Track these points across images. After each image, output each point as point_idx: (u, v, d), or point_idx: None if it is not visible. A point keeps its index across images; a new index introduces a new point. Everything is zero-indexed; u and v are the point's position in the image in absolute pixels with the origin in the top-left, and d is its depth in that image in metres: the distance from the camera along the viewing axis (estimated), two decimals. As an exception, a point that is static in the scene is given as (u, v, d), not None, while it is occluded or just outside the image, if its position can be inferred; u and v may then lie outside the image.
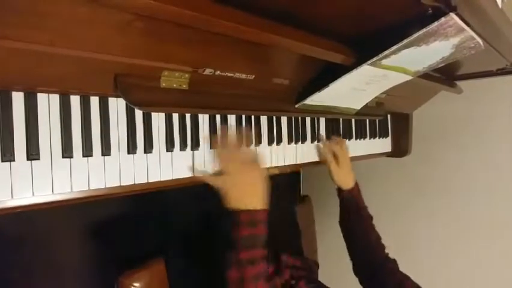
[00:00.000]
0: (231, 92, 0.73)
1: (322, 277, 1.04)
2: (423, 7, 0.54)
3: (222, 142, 0.73)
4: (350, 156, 1.13)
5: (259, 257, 0.65)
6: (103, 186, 0.59)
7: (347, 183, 0.98)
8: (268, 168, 0.85)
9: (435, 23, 0.55)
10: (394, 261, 0.85)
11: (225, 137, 0.74)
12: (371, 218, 0.96)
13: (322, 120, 1.04)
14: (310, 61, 0.72)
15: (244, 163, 0.71)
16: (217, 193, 0.68)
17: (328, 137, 1.05)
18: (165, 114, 0.68)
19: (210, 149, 0.74)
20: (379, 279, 0.82)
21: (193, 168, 0.72)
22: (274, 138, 0.88)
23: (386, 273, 0.82)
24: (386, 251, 0.90)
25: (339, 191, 0.99)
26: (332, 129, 1.08)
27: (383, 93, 0.94)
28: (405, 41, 0.60)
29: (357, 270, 0.91)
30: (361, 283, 0.88)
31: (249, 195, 0.68)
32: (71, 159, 0.56)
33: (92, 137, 0.58)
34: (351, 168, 1.01)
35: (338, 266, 1.04)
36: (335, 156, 1.00)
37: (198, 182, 0.73)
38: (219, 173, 0.70)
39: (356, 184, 1.00)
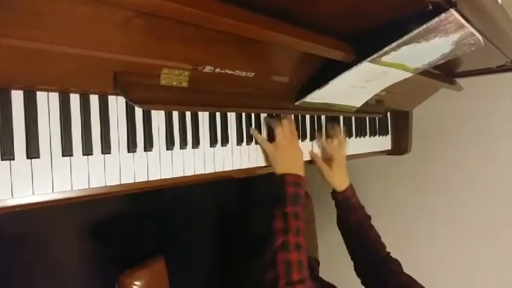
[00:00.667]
0: (231, 89, 0.73)
1: (323, 274, 1.04)
2: (423, 3, 0.54)
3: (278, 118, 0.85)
4: (350, 154, 1.13)
5: (301, 215, 0.74)
6: (103, 185, 0.59)
7: (340, 185, 0.96)
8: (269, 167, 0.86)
9: (436, 19, 0.54)
10: (397, 262, 0.84)
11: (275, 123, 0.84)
12: (369, 217, 0.95)
13: (322, 118, 1.04)
14: (310, 58, 0.72)
15: (289, 134, 0.83)
16: (218, 193, 0.70)
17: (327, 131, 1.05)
18: (165, 112, 0.68)
19: (211, 147, 0.74)
20: (381, 280, 0.82)
21: (194, 167, 0.72)
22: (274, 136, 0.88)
23: (389, 273, 0.81)
24: (388, 250, 0.89)
25: (333, 193, 0.98)
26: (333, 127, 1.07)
27: (383, 90, 0.94)
28: (405, 38, 0.59)
29: (358, 271, 0.91)
30: (363, 283, 0.88)
31: (295, 164, 0.81)
32: (71, 157, 0.56)
33: (92, 135, 0.58)
34: (344, 169, 0.99)
35: (339, 263, 1.04)
36: (328, 158, 0.99)
37: (198, 181, 0.73)
38: (271, 144, 0.82)
39: (350, 185, 0.97)
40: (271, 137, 0.85)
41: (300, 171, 0.81)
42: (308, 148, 1.00)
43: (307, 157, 0.99)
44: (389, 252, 0.88)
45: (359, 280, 0.90)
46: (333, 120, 1.08)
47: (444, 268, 1.45)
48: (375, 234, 0.92)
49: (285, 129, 0.83)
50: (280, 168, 0.80)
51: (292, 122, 0.87)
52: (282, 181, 0.78)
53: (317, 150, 1.02)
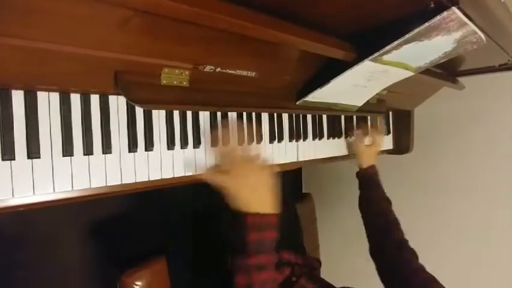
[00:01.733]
0: (232, 89, 0.72)
1: (324, 274, 1.04)
2: (425, 1, 0.54)
3: (225, 140, 0.70)
4: (352, 153, 1.13)
5: (268, 263, 0.62)
6: (104, 185, 0.59)
7: (367, 163, 1.03)
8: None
9: (437, 17, 0.54)
10: (413, 250, 0.83)
11: (228, 135, 0.71)
12: (390, 202, 0.96)
13: (323, 117, 1.04)
14: (311, 58, 0.72)
15: (250, 162, 0.66)
16: (219, 192, 0.64)
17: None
18: (166, 112, 0.67)
19: (212, 146, 0.74)
20: (394, 264, 0.80)
21: (195, 166, 0.71)
22: (276, 135, 0.88)
23: (403, 260, 0.80)
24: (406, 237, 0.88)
25: (361, 169, 1.04)
26: (334, 127, 1.07)
27: (384, 89, 0.94)
28: (406, 36, 0.59)
29: (373, 253, 0.89)
30: (376, 267, 0.86)
31: (257, 198, 0.63)
32: (72, 157, 0.56)
33: (93, 135, 0.58)
34: (376, 154, 1.08)
35: (340, 263, 1.04)
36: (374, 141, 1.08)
37: (199, 180, 0.73)
38: (223, 172, 0.65)
39: (375, 166, 1.04)
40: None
41: (266, 206, 0.63)
42: (308, 148, 0.99)
43: (310, 156, 0.98)
44: (407, 240, 0.86)
45: (360, 279, 0.89)
46: (334, 119, 1.07)
47: (446, 267, 1.45)
48: (394, 217, 0.92)
49: (237, 153, 0.68)
50: (237, 205, 0.62)
51: (252, 145, 0.74)
52: (241, 223, 0.61)
53: (317, 151, 1.02)
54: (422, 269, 0.77)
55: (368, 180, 1.01)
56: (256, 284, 0.60)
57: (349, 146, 1.11)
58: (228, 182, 0.63)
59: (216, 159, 0.72)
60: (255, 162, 0.66)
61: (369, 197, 0.98)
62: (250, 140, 0.81)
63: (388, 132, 1.35)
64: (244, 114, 0.82)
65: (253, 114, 0.84)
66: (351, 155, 1.12)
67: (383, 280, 0.82)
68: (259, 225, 0.61)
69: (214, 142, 0.74)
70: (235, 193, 0.62)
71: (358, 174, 1.05)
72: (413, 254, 0.83)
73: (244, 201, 0.62)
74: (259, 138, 0.84)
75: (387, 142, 1.34)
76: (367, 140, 1.10)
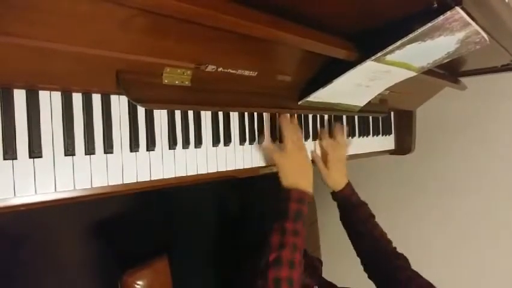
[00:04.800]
0: (234, 88, 0.72)
1: (325, 274, 1.03)
2: (428, 1, 0.54)
3: (292, 122, 0.83)
4: (353, 154, 1.12)
5: (301, 232, 0.72)
6: (106, 184, 0.59)
7: (338, 185, 0.96)
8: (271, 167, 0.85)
9: (441, 17, 0.54)
10: (403, 257, 0.84)
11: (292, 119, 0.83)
12: (373, 216, 0.94)
13: (325, 118, 1.04)
14: (314, 57, 0.72)
15: (298, 146, 0.81)
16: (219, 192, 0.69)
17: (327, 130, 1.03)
18: (167, 111, 0.67)
19: (213, 146, 0.74)
20: (388, 275, 0.81)
21: (196, 166, 0.71)
22: (277, 135, 0.88)
23: (396, 269, 0.80)
24: (394, 245, 0.88)
25: (333, 193, 0.98)
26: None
27: (386, 89, 0.94)
28: (409, 36, 0.59)
29: (366, 268, 0.90)
30: (371, 279, 0.87)
31: (301, 177, 0.79)
32: (74, 157, 0.56)
33: (95, 134, 0.58)
34: (342, 169, 0.97)
35: (341, 262, 1.04)
36: (330, 159, 0.96)
37: (201, 181, 0.73)
38: (281, 154, 0.80)
39: (348, 184, 0.96)
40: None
41: (306, 186, 0.78)
42: (311, 148, 0.99)
43: (311, 156, 0.98)
44: (395, 248, 0.87)
45: (361, 279, 0.89)
46: (336, 119, 1.07)
47: (448, 267, 1.45)
48: (379, 231, 0.91)
49: (294, 135, 0.81)
50: (286, 181, 0.78)
51: (300, 132, 0.85)
52: (286, 195, 0.76)
53: (319, 150, 1.02)
54: (417, 274, 0.78)
55: (346, 203, 0.95)
56: (288, 245, 0.69)
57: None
58: (282, 160, 0.79)
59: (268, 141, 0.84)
60: (300, 147, 0.82)
61: (350, 219, 0.94)
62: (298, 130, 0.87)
63: (390, 133, 1.35)
64: (246, 114, 0.81)
65: (255, 114, 0.84)
66: (353, 155, 1.11)
67: None
68: (301, 199, 0.76)
69: (216, 142, 0.75)
70: (288, 170, 0.78)
71: (334, 197, 0.98)
72: (405, 261, 0.83)
73: (294, 180, 0.78)
74: (261, 139, 0.84)
75: (389, 142, 1.34)
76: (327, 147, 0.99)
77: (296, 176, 0.78)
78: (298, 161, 0.80)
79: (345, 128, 1.07)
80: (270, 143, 0.82)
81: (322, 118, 1.03)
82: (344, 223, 0.97)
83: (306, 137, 0.97)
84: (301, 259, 0.70)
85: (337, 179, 0.96)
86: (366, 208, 0.95)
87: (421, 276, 0.77)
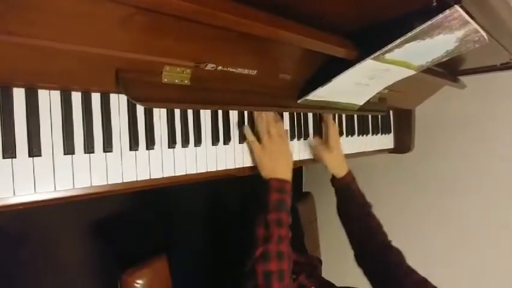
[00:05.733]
0: (233, 87, 0.72)
1: (325, 273, 1.04)
2: (427, -1, 0.54)
3: (266, 118, 0.81)
4: (352, 152, 1.12)
5: (285, 221, 0.73)
6: (105, 183, 0.59)
7: (340, 170, 0.96)
8: None
9: (440, 16, 0.54)
10: (399, 251, 0.83)
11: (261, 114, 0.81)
12: (370, 206, 0.93)
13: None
14: (313, 56, 0.72)
15: (277, 135, 0.80)
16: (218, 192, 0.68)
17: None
18: (167, 110, 0.67)
19: (213, 145, 0.74)
20: (382, 269, 0.81)
21: (196, 165, 0.71)
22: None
23: (390, 263, 0.80)
24: (389, 239, 0.87)
25: (333, 179, 0.98)
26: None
27: (385, 88, 0.94)
28: (409, 35, 0.59)
29: (359, 260, 0.89)
30: (365, 273, 0.86)
31: (280, 166, 0.78)
32: (73, 156, 0.56)
33: (94, 133, 0.58)
34: (342, 156, 0.99)
35: (341, 261, 1.04)
36: (331, 147, 0.96)
37: (201, 179, 0.73)
38: (258, 145, 0.79)
39: (349, 172, 0.97)
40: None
41: (285, 175, 0.78)
42: (309, 147, 0.99)
43: (310, 155, 0.98)
44: (390, 241, 0.86)
45: (361, 279, 0.89)
46: (335, 118, 1.07)
47: (447, 266, 1.45)
48: (376, 222, 0.90)
49: (271, 129, 0.80)
50: (264, 172, 0.78)
51: (280, 122, 0.84)
52: (266, 186, 0.76)
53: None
54: (412, 270, 0.78)
55: (346, 190, 0.95)
56: (273, 237, 0.69)
57: (313, 153, 1.00)
58: (260, 150, 0.78)
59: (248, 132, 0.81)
60: (280, 138, 0.80)
61: (347, 208, 0.94)
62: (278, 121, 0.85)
63: (389, 131, 1.35)
64: (246, 113, 0.81)
65: (254, 112, 0.83)
66: (352, 153, 1.11)
67: (374, 286, 0.82)
68: (281, 187, 0.76)
69: (215, 141, 0.74)
70: (266, 161, 0.78)
71: (333, 183, 0.98)
72: (399, 255, 0.83)
73: (271, 170, 0.77)
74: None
75: (388, 141, 1.34)
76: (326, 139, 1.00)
77: (273, 164, 0.78)
78: (275, 151, 0.79)
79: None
80: (253, 138, 0.80)
81: (322, 117, 1.03)
82: (340, 211, 0.96)
83: (306, 136, 0.97)
84: (289, 249, 0.71)
85: (340, 163, 0.97)
86: (364, 198, 0.95)
87: (416, 272, 0.77)
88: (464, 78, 1.21)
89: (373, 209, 0.94)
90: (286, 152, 0.82)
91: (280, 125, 0.84)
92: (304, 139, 0.97)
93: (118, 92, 0.60)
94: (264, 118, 0.81)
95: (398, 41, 0.61)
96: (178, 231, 1.10)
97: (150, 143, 0.64)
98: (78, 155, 0.56)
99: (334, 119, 1.06)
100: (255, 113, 0.82)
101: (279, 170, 0.77)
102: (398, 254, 0.83)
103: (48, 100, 0.54)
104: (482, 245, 1.38)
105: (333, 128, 0.99)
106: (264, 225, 0.71)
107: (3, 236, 0.88)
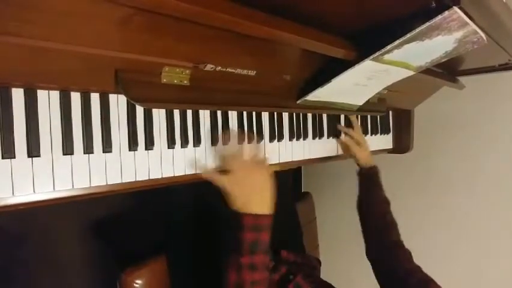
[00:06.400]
0: (233, 88, 0.72)
1: (323, 273, 1.04)
2: (426, 1, 0.54)
3: (225, 139, 0.71)
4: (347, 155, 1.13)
5: (260, 264, 0.63)
6: (104, 183, 0.59)
7: (369, 162, 1.02)
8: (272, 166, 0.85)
9: (439, 17, 0.54)
10: (409, 251, 0.84)
11: (228, 136, 0.72)
12: (389, 202, 0.95)
13: (324, 117, 1.04)
14: (312, 56, 0.72)
15: (250, 162, 0.68)
16: (219, 192, 0.66)
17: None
18: (166, 111, 0.67)
19: (212, 145, 0.74)
20: (390, 265, 0.81)
21: (195, 165, 0.71)
22: (276, 134, 0.88)
23: (399, 259, 0.80)
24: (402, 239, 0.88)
25: (360, 171, 1.02)
26: (334, 126, 1.07)
27: (384, 89, 0.94)
28: (408, 36, 0.59)
29: (369, 254, 0.89)
30: (373, 268, 0.86)
31: (254, 198, 0.64)
32: (72, 156, 0.56)
33: (93, 134, 0.58)
34: (369, 150, 1.06)
35: (339, 262, 1.04)
36: (360, 142, 1.05)
37: (200, 179, 0.73)
38: (223, 171, 0.67)
39: (376, 166, 1.02)
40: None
41: (262, 207, 0.64)
42: (312, 146, 0.99)
43: (310, 155, 0.98)
44: (402, 241, 0.87)
45: (361, 278, 0.89)
46: (334, 118, 1.07)
47: (447, 265, 1.45)
48: (393, 219, 0.92)
49: (238, 154, 0.70)
50: (234, 204, 0.64)
51: (253, 144, 0.75)
52: (237, 223, 0.63)
53: (317, 150, 1.02)
54: (418, 269, 0.78)
55: (369, 180, 0.99)
56: (247, 283, 0.61)
57: (344, 148, 1.07)
58: (227, 181, 0.65)
59: (216, 159, 0.72)
60: (254, 163, 0.68)
61: (369, 197, 0.96)
62: (250, 141, 0.79)
63: (388, 132, 1.35)
64: (245, 113, 0.81)
65: (254, 113, 0.84)
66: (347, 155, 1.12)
67: (380, 281, 0.82)
68: (255, 226, 0.63)
69: (214, 141, 0.74)
70: (231, 192, 0.64)
71: (360, 173, 1.03)
72: (409, 255, 0.83)
73: (242, 201, 0.63)
74: (260, 139, 0.84)
75: (387, 141, 1.34)
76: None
77: (245, 196, 0.64)
78: (246, 181, 0.65)
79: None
80: (207, 171, 0.69)
81: (321, 117, 1.03)
82: (361, 201, 0.99)
83: (305, 136, 0.97)
84: None
85: (369, 157, 1.03)
86: (385, 193, 0.97)
87: (423, 272, 0.77)
88: (463, 79, 1.21)
89: (389, 202, 0.96)
90: (260, 176, 0.67)
91: (255, 146, 0.75)
92: (304, 139, 0.97)
93: (117, 93, 0.60)
94: (224, 149, 0.72)
95: (397, 42, 0.61)
96: (177, 231, 1.10)
97: (149, 144, 0.64)
98: (77, 155, 0.56)
99: (333, 119, 1.06)
100: (224, 137, 0.72)
101: (254, 199, 0.64)
102: (407, 253, 0.83)
103: (48, 100, 0.53)
104: (481, 244, 1.38)
105: (358, 126, 1.09)
106: (235, 269, 0.62)
107: (3, 236, 0.88)
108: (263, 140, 0.85)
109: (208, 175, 0.67)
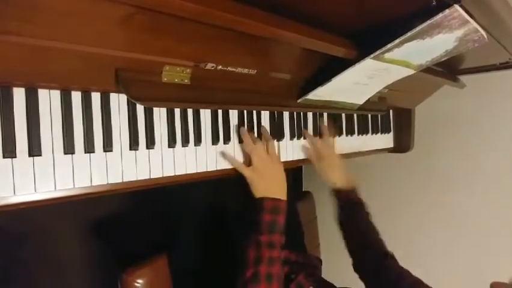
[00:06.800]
0: (233, 87, 0.72)
1: (324, 272, 1.04)
2: (427, -1, 0.54)
3: (252, 138, 0.81)
4: (352, 152, 1.12)
5: (277, 243, 0.72)
6: (105, 183, 0.59)
7: (338, 182, 0.94)
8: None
9: (440, 15, 0.54)
10: (392, 255, 0.83)
11: (247, 133, 0.80)
12: (369, 215, 0.92)
13: (324, 116, 1.04)
14: (313, 55, 0.72)
15: (268, 157, 0.79)
16: (219, 192, 0.68)
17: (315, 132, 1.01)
18: (167, 110, 0.67)
19: (213, 144, 0.74)
20: (379, 275, 0.81)
21: (196, 164, 0.71)
22: (276, 133, 0.88)
23: (386, 268, 0.81)
24: (387, 247, 0.88)
25: (337, 193, 0.95)
26: (334, 125, 1.07)
27: (385, 88, 0.94)
28: (408, 34, 0.59)
29: (356, 267, 0.90)
30: (361, 279, 0.87)
31: (272, 186, 0.77)
32: (73, 155, 0.56)
33: (94, 133, 0.58)
34: (340, 166, 0.97)
35: (340, 261, 1.04)
36: (322, 156, 0.96)
37: (201, 179, 0.73)
38: (248, 164, 0.78)
39: (350, 182, 0.95)
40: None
41: (279, 194, 0.77)
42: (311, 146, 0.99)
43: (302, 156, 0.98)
44: (385, 246, 0.86)
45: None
46: (335, 117, 1.07)
47: (447, 263, 1.45)
48: (376, 232, 0.90)
49: (259, 151, 0.79)
50: (257, 192, 0.76)
51: (271, 141, 0.82)
52: (259, 206, 0.74)
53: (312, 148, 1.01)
54: (407, 272, 0.78)
55: (349, 205, 0.92)
56: (264, 259, 0.68)
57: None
58: (252, 173, 0.77)
59: (238, 155, 0.81)
60: (270, 158, 0.80)
61: (352, 220, 0.92)
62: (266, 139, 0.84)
63: (389, 131, 1.35)
64: (245, 112, 0.81)
65: (254, 112, 0.84)
66: (352, 153, 1.11)
67: None
68: (275, 207, 0.74)
69: (215, 140, 0.75)
70: (255, 182, 0.77)
71: (336, 196, 0.94)
72: (394, 259, 0.83)
73: (263, 188, 0.76)
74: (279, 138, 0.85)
75: (388, 140, 1.34)
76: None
77: (267, 186, 0.77)
78: (268, 173, 0.78)
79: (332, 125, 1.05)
80: (240, 164, 0.78)
81: (321, 116, 1.03)
82: (340, 221, 0.95)
83: (304, 136, 0.97)
84: (279, 270, 0.70)
85: (337, 176, 0.94)
86: (364, 207, 0.93)
87: (410, 273, 0.77)
88: (463, 78, 1.21)
89: (370, 214, 0.93)
90: (278, 170, 0.81)
91: (271, 143, 0.82)
92: (304, 138, 0.96)
93: (118, 92, 0.60)
94: (253, 143, 0.79)
95: (398, 40, 0.61)
96: (178, 230, 1.10)
97: (150, 143, 0.64)
98: (78, 155, 0.56)
99: (333, 118, 1.06)
100: (244, 137, 0.79)
101: (273, 188, 0.77)
102: (392, 258, 0.83)
103: (49, 100, 0.54)
104: (481, 242, 1.38)
105: (327, 133, 0.99)
106: (255, 246, 0.70)
107: (3, 236, 0.88)
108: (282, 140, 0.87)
109: (238, 167, 0.78)
